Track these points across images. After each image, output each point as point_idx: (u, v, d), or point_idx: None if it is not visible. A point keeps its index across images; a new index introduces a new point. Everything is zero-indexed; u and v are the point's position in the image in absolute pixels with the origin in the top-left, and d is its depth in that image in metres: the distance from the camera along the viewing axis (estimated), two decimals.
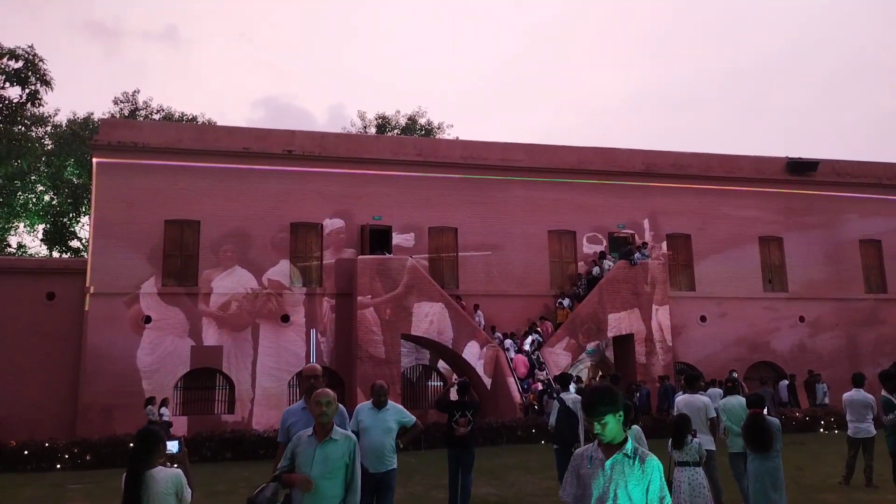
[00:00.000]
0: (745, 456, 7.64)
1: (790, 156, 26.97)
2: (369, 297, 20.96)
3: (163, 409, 18.93)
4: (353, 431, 6.38)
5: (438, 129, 42.34)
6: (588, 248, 24.55)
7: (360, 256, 21.79)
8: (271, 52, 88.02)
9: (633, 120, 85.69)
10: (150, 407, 18.54)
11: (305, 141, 23.28)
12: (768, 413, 8.18)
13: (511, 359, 21.01)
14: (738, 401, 9.00)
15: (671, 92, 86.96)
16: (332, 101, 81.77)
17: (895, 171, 27.89)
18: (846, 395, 10.78)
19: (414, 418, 7.59)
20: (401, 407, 7.67)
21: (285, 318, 21.75)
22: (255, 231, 21.97)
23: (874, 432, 10.45)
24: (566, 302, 23.10)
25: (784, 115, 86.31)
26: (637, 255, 23.28)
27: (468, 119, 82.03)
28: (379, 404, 7.39)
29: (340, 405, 5.52)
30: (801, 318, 25.76)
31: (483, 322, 22.16)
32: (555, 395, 10.57)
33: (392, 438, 7.21)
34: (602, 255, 23.83)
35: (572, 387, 10.77)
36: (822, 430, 19.46)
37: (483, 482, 11.26)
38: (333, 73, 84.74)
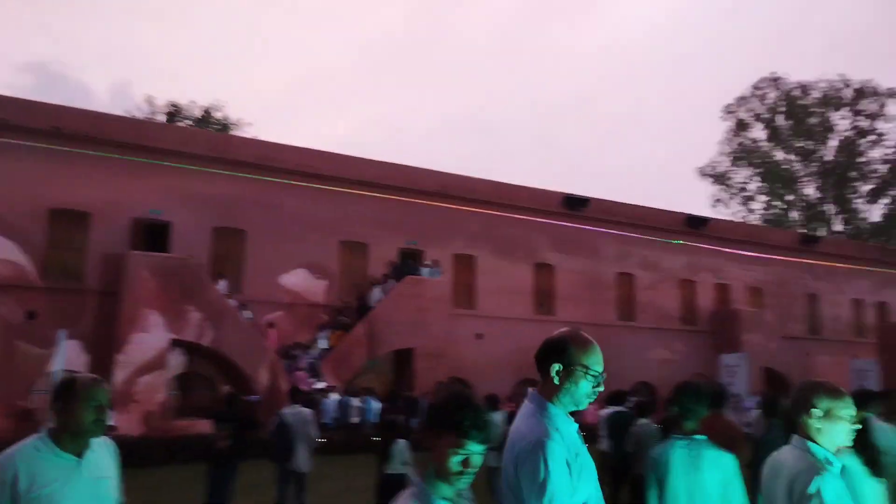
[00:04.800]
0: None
1: (567, 191, 29.57)
2: (139, 297, 19.25)
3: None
4: None
5: (236, 125, 40.57)
6: (378, 263, 24.76)
7: (131, 252, 19.97)
8: (45, 10, 78.28)
9: (434, 141, 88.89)
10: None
11: (78, 119, 20.94)
12: None
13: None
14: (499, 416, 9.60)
15: (473, 118, 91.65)
16: (116, 79, 74.66)
17: (639, 212, 31.66)
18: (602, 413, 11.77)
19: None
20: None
21: (31, 315, 19.22)
22: (1, 214, 19.21)
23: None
24: (324, 334, 22.03)
25: (570, 152, 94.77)
26: (425, 270, 23.98)
27: (271, 121, 79.58)
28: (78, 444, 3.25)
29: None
30: None
31: (226, 291, 21.06)
32: (280, 411, 10.08)
33: None
34: (372, 284, 23.53)
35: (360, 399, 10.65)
36: None
37: (244, 494, 10.75)
38: (121, 48, 77.48)
